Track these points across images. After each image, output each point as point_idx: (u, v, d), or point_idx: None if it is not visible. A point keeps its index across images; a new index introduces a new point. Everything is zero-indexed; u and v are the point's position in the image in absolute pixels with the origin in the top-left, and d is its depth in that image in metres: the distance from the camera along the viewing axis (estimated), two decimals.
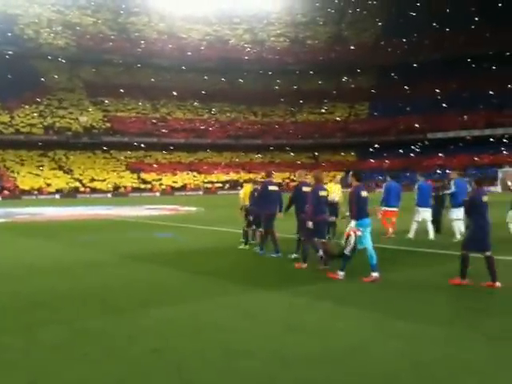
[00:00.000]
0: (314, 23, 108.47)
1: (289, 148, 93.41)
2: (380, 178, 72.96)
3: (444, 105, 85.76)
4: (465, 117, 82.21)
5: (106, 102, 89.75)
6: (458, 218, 16.55)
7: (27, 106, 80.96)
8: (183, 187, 76.44)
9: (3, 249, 17.13)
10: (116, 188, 73.67)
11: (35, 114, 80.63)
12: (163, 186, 76.01)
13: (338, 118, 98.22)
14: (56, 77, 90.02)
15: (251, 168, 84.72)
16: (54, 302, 9.34)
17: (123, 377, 5.88)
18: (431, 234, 16.99)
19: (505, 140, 77.76)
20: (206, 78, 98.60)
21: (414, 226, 17.31)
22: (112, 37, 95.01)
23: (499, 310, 8.63)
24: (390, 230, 17.84)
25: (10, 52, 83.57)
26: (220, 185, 77.53)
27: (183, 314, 8.36)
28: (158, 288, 10.35)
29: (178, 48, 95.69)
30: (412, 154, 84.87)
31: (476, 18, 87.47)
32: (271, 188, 13.68)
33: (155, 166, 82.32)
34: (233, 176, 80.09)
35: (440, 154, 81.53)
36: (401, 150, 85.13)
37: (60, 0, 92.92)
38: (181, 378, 5.86)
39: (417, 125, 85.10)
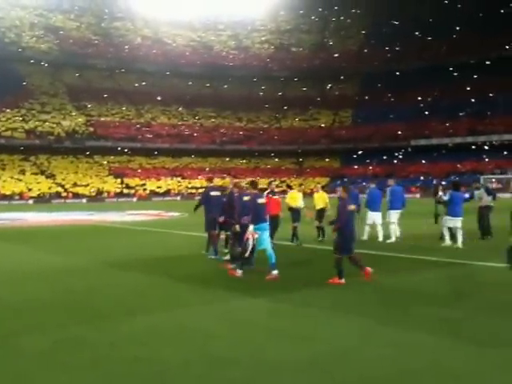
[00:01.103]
0: (299, 30, 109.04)
1: (273, 154, 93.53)
2: (364, 184, 72.97)
3: (427, 112, 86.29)
4: (447, 124, 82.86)
5: (90, 106, 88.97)
6: (394, 220, 18.24)
7: (9, 110, 79.93)
8: (167, 192, 76.09)
9: None
10: (99, 193, 73.08)
11: (17, 118, 79.63)
12: (147, 191, 75.58)
13: (322, 125, 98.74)
14: (38, 81, 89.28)
15: (236, 173, 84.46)
16: (36, 309, 9.27)
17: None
18: (380, 236, 18.33)
19: (486, 147, 78.52)
20: (190, 83, 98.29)
21: (367, 229, 18.56)
22: (96, 41, 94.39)
23: (486, 316, 8.58)
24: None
25: None
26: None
27: (167, 321, 8.33)
28: (141, 295, 10.30)
29: (163, 53, 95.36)
30: (395, 161, 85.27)
31: (458, 27, 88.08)
32: (213, 193, 14.48)
33: (139, 171, 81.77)
34: (217, 182, 79.66)
35: (423, 161, 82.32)
36: (385, 157, 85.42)
37: (43, 4, 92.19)
38: None
39: (400, 132, 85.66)
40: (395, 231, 18.31)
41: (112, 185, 76.37)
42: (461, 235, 16.38)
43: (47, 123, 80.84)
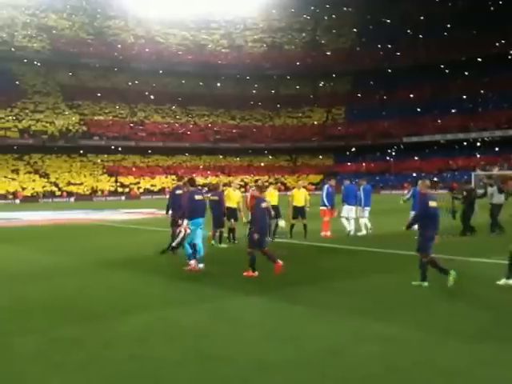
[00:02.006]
0: (291, 29, 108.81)
1: (267, 152, 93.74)
2: (357, 180, 73.25)
3: (418, 109, 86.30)
4: (439, 121, 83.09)
5: (83, 105, 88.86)
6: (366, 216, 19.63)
7: (1, 110, 79.75)
8: (161, 190, 76.16)
9: None
10: (94, 191, 73.07)
11: (10, 118, 79.48)
12: (141, 190, 75.66)
13: (315, 122, 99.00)
14: (31, 80, 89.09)
15: (230, 171, 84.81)
16: (29, 309, 9.25)
17: None
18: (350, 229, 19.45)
19: (478, 144, 78.91)
20: (183, 82, 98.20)
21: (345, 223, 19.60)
22: (88, 40, 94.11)
23: (474, 312, 8.70)
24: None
25: None
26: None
27: (161, 320, 8.37)
28: (135, 294, 10.34)
29: (156, 52, 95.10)
30: (388, 158, 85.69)
31: (449, 25, 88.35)
32: (178, 192, 14.76)
33: (133, 169, 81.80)
34: (212, 179, 79.85)
35: (416, 158, 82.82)
36: (378, 153, 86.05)
37: (35, 3, 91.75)
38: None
39: (392, 129, 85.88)
40: (366, 225, 19.57)
41: (106, 183, 76.34)
42: None
43: (40, 122, 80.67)
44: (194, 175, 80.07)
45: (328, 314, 8.50)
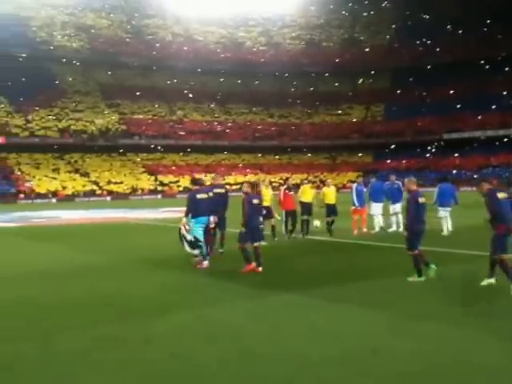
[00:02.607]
0: (329, 26, 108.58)
1: (306, 149, 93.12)
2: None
3: (458, 106, 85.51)
4: (479, 117, 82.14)
5: (122, 104, 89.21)
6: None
7: (42, 109, 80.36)
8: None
9: (18, 254, 17.01)
10: (134, 190, 73.10)
11: (50, 117, 80.00)
12: (180, 188, 75.36)
13: (354, 120, 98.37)
14: (71, 79, 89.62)
15: (269, 169, 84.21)
16: (70, 308, 9.32)
17: (141, 383, 5.87)
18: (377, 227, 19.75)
19: None
20: (221, 80, 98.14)
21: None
22: (127, 39, 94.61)
23: (511, 311, 8.56)
24: None
25: (24, 55, 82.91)
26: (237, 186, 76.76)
27: (200, 318, 8.36)
28: (174, 292, 10.36)
29: (194, 50, 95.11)
30: (428, 155, 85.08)
31: (488, 21, 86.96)
32: (200, 196, 13.68)
33: (173, 167, 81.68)
34: (250, 177, 79.25)
35: (455, 155, 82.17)
36: (418, 150, 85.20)
37: (73, 2, 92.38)
38: (199, 383, 5.85)
39: (432, 126, 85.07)
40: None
41: (146, 182, 76.33)
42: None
43: (80, 122, 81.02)
44: (233, 173, 79.90)
45: (367, 312, 8.42)
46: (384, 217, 19.96)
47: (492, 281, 9.93)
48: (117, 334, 7.53)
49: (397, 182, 19.99)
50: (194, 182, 14.12)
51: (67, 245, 18.70)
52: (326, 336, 7.22)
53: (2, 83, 77.90)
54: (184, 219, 13.09)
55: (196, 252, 12.94)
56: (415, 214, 10.74)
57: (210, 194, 13.69)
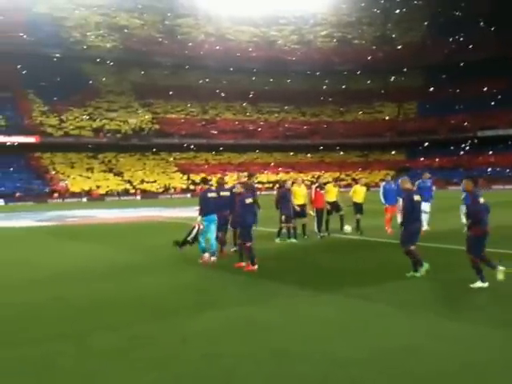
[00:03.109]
0: (360, 23, 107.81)
1: (338, 148, 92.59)
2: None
3: (493, 103, 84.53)
4: None
5: (155, 103, 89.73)
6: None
7: (76, 109, 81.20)
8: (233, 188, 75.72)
9: (53, 253, 17.16)
10: (166, 189, 73.44)
11: (84, 117, 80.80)
12: (212, 187, 75.33)
13: (386, 118, 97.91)
14: (104, 79, 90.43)
15: (301, 168, 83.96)
16: (104, 307, 9.44)
17: (176, 382, 5.91)
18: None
19: None
20: (253, 78, 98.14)
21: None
22: (159, 39, 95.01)
23: None
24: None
25: (57, 55, 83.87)
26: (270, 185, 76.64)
27: (234, 317, 8.40)
28: (208, 292, 10.42)
29: (226, 49, 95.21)
30: (462, 153, 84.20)
31: None
32: (210, 195, 14.17)
33: (205, 166, 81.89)
34: (282, 176, 79.15)
35: (490, 152, 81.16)
36: (451, 148, 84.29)
37: (106, 3, 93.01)
38: (233, 382, 5.85)
39: (466, 123, 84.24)
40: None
41: (178, 181, 76.62)
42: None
43: (114, 121, 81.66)
44: (266, 172, 79.83)
45: (402, 311, 8.47)
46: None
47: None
48: (153, 333, 7.62)
49: (429, 179, 19.84)
50: (205, 181, 14.62)
51: (101, 244, 18.87)
52: (359, 336, 7.23)
53: (36, 83, 79.09)
54: (198, 218, 13.55)
55: (202, 246, 13.64)
56: (410, 213, 10.94)
57: (223, 193, 14.27)
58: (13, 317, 8.91)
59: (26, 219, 33.91)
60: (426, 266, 10.91)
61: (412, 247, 10.92)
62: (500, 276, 9.98)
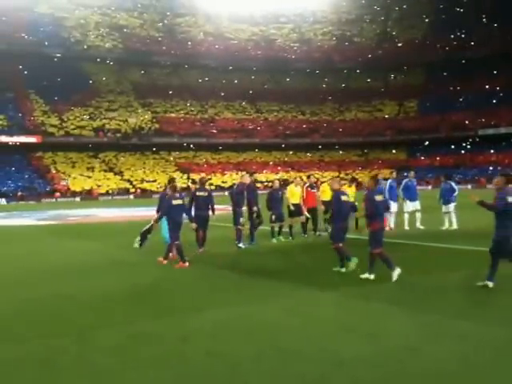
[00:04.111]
0: (361, 21, 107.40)
1: (338, 146, 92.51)
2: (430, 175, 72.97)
3: (494, 100, 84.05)
4: None
5: (155, 103, 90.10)
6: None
7: (76, 109, 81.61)
8: (232, 186, 76.12)
9: (54, 251, 17.19)
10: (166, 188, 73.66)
11: (84, 117, 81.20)
12: (213, 186, 75.82)
13: (386, 116, 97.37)
14: (104, 79, 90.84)
15: (300, 167, 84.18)
16: (105, 304, 9.42)
17: (178, 380, 5.90)
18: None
19: None
20: (253, 77, 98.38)
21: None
22: (159, 38, 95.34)
23: None
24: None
25: (58, 55, 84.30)
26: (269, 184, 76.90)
27: (236, 315, 8.37)
28: (210, 290, 10.38)
29: (225, 48, 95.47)
30: (463, 151, 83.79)
31: None
32: (199, 193, 15.24)
33: (205, 166, 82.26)
34: (282, 175, 79.52)
35: (492, 151, 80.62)
36: (453, 146, 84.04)
37: (106, 2, 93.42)
38: (235, 380, 5.84)
39: (467, 121, 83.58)
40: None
41: (178, 180, 76.81)
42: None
43: (114, 121, 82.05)
44: (265, 171, 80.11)
45: (405, 311, 8.35)
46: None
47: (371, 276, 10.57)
48: (154, 331, 7.58)
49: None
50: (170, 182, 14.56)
51: (103, 242, 18.95)
52: (361, 335, 7.17)
53: (37, 83, 79.51)
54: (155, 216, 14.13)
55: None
56: (338, 211, 11.41)
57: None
58: (15, 313, 8.96)
59: (26, 218, 34.26)
60: (354, 260, 11.25)
61: (340, 244, 11.34)
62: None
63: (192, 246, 14.75)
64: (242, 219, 15.84)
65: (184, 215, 13.85)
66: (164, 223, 14.02)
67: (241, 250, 15.55)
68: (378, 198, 10.86)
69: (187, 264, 12.87)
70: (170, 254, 13.70)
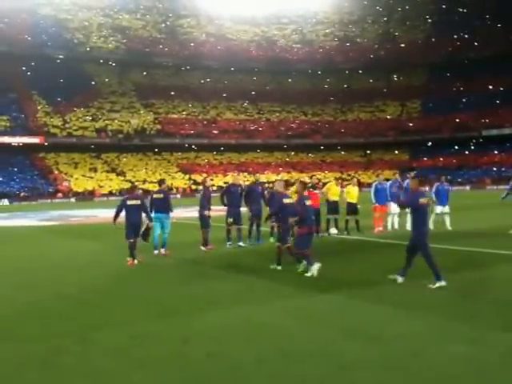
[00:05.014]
0: (363, 21, 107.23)
1: (340, 147, 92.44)
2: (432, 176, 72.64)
3: (497, 101, 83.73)
4: None
5: (157, 104, 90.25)
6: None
7: (79, 110, 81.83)
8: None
9: (57, 252, 17.23)
10: (169, 189, 73.79)
11: (87, 118, 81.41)
12: (214, 187, 75.93)
13: (389, 116, 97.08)
14: (107, 80, 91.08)
15: (302, 168, 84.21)
16: (107, 305, 9.51)
17: (178, 382, 5.90)
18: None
19: None
20: (255, 78, 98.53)
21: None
22: (161, 39, 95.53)
23: None
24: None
25: (61, 56, 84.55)
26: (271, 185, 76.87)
27: (238, 317, 8.35)
28: (211, 291, 10.32)
29: (227, 49, 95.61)
30: (466, 152, 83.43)
31: None
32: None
33: (206, 166, 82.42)
34: (284, 176, 79.59)
35: (495, 152, 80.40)
36: (456, 147, 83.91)
37: (109, 4, 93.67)
38: (236, 382, 5.84)
39: (470, 122, 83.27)
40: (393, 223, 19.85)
41: (180, 181, 77.14)
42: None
43: (116, 122, 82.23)
44: (266, 172, 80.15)
45: (410, 314, 8.29)
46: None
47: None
48: (155, 332, 7.59)
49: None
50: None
51: (105, 242, 19.01)
52: (366, 337, 7.12)
53: (40, 84, 79.78)
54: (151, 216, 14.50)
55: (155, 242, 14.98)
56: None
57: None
58: (16, 313, 8.97)
59: (29, 219, 34.38)
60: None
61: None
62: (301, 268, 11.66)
63: (191, 246, 14.91)
64: (229, 219, 16.13)
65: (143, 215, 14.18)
66: (156, 224, 14.70)
67: (242, 248, 15.78)
68: (308, 202, 11.75)
69: (135, 262, 13.55)
70: (163, 250, 14.84)
